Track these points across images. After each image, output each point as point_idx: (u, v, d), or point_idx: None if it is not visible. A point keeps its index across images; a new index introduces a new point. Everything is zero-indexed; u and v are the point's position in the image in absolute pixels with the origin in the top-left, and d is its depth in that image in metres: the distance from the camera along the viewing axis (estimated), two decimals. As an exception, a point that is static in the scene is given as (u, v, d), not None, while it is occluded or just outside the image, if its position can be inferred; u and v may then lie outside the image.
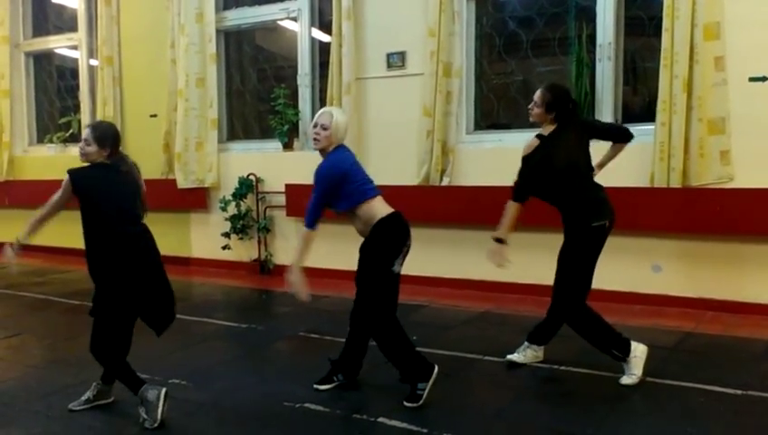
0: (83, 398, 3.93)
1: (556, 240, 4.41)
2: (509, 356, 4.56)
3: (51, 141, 9.70)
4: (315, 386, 4.15)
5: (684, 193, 5.64)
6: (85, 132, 3.84)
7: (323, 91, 7.45)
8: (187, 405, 3.99)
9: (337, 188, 3.94)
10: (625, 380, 4.13)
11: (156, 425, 3.66)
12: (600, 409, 3.81)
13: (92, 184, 3.76)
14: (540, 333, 4.53)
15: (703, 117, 5.54)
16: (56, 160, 9.19)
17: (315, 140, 4.00)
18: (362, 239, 4.01)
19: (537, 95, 4.31)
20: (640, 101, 6.32)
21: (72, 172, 3.76)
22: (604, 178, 5.85)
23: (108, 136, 3.84)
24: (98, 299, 3.80)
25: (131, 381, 3.82)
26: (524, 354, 4.55)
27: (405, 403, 3.87)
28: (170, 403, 3.75)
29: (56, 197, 3.77)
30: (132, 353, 3.93)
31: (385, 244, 3.95)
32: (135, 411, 3.80)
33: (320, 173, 3.97)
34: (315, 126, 4.00)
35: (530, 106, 4.34)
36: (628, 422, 3.62)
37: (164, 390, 3.74)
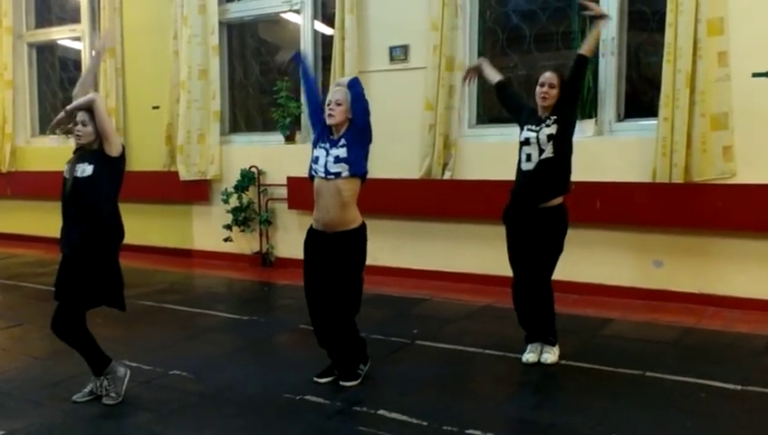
0: (87, 389, 3.94)
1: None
2: (543, 357, 4.44)
3: (53, 133, 9.68)
4: (315, 379, 4.16)
5: (686, 188, 5.63)
6: (80, 115, 3.83)
7: (326, 84, 7.43)
8: (188, 396, 4.00)
9: (364, 127, 4.05)
10: (550, 358, 4.39)
11: (119, 399, 3.83)
12: (600, 403, 3.81)
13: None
14: (548, 328, 4.51)
15: (705, 112, 5.52)
16: (58, 152, 9.15)
17: (330, 115, 4.01)
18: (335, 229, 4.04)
19: (551, 76, 4.32)
20: (643, 96, 6.30)
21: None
22: (607, 172, 5.89)
23: None
24: (105, 270, 3.82)
25: (99, 359, 3.89)
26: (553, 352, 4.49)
27: (343, 383, 4.09)
28: (172, 395, 3.77)
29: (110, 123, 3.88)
30: (134, 345, 3.96)
31: (365, 245, 4.15)
32: (136, 402, 3.84)
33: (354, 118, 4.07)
34: (329, 103, 4.03)
35: (544, 90, 4.31)
36: (628, 417, 3.63)
37: (128, 369, 3.99)
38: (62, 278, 3.83)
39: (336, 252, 4.02)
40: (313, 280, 4.11)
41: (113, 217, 3.89)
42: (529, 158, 4.36)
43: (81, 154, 3.85)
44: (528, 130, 4.39)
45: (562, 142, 4.32)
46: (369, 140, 4.10)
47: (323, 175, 3.99)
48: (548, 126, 4.32)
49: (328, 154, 4.00)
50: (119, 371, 3.93)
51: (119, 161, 3.90)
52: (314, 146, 4.14)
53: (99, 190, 3.80)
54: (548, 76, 4.33)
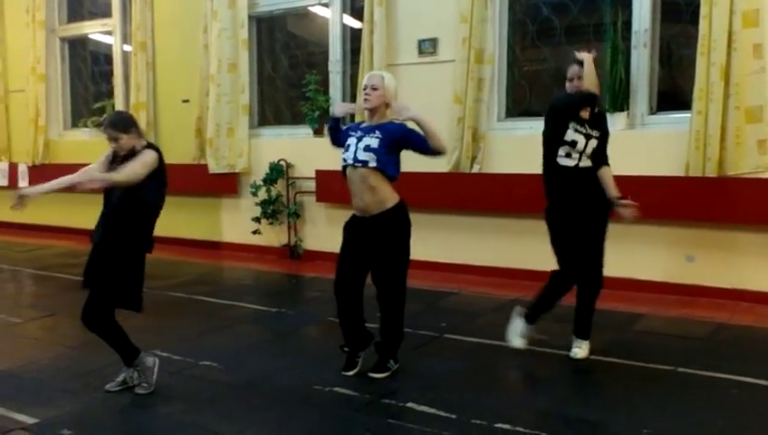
0: (119, 379, 3.98)
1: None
2: (573, 352, 4.42)
3: (85, 126, 9.80)
4: (343, 373, 4.16)
5: (719, 182, 5.55)
6: (107, 132, 3.81)
7: (354, 77, 7.45)
8: (217, 387, 4.03)
9: (402, 149, 4.05)
10: (580, 353, 4.37)
11: (151, 389, 3.86)
12: (629, 398, 3.78)
13: (164, 165, 3.91)
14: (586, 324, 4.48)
15: (740, 105, 5.44)
16: (90, 144, 9.30)
17: (366, 99, 4.05)
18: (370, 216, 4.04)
19: (578, 70, 4.25)
20: (676, 89, 6.22)
21: (155, 147, 3.88)
22: (639, 166, 5.82)
23: (126, 119, 3.92)
24: (124, 271, 3.85)
25: (128, 350, 3.93)
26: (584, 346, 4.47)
27: (372, 374, 4.10)
28: (202, 385, 3.80)
29: (137, 169, 3.72)
30: (164, 335, 4.01)
31: (409, 226, 4.12)
32: (167, 392, 3.89)
33: (400, 126, 4.04)
34: (365, 88, 4.06)
35: (574, 84, 4.26)
36: (658, 412, 3.59)
37: (157, 358, 4.02)
38: (90, 267, 3.87)
39: (376, 234, 4.03)
40: (347, 258, 4.12)
41: (140, 227, 3.88)
42: (569, 155, 4.29)
43: (121, 160, 3.85)
44: (576, 132, 4.26)
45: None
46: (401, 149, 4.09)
47: (352, 163, 4.02)
48: (596, 138, 4.32)
49: (359, 141, 4.02)
50: (147, 361, 3.98)
51: (148, 187, 3.83)
52: (345, 136, 4.17)
53: (130, 201, 3.80)
54: (576, 70, 4.27)
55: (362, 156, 3.97)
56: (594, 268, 4.36)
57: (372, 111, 4.07)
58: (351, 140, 4.07)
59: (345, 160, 4.08)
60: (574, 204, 4.33)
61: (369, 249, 4.06)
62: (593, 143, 4.29)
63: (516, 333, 4.48)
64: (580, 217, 4.32)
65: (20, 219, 10.28)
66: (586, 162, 4.31)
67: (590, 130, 4.29)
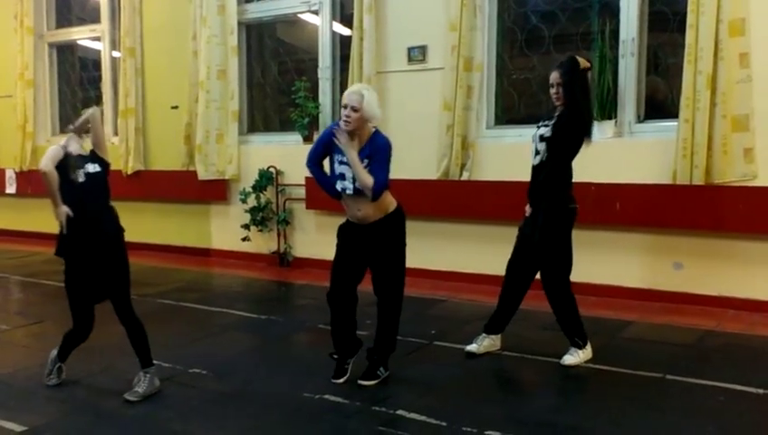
0: (140, 390, 3.95)
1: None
2: (467, 348, 4.66)
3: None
4: (332, 380, 4.16)
5: (706, 190, 5.59)
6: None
7: (344, 84, 7.45)
8: (208, 394, 4.03)
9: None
10: (568, 360, 4.38)
11: (135, 400, 3.87)
12: (619, 406, 3.80)
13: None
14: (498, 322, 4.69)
15: (727, 114, 5.49)
16: (78, 151, 9.25)
17: (346, 122, 3.89)
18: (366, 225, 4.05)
19: (555, 76, 4.35)
20: (663, 97, 6.26)
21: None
22: (626, 174, 5.87)
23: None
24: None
25: (149, 351, 4.03)
26: (482, 344, 4.65)
27: (361, 382, 4.10)
28: (192, 392, 3.80)
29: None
30: (154, 343, 4.03)
31: (404, 228, 4.12)
32: (157, 399, 3.90)
33: (384, 144, 3.99)
34: (345, 107, 3.91)
35: (554, 91, 4.36)
36: (646, 419, 3.61)
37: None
38: (101, 274, 3.94)
39: (375, 238, 4.03)
40: (343, 265, 4.10)
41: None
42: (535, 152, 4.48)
43: (81, 156, 4.12)
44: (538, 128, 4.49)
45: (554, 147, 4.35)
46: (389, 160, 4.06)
47: (352, 193, 3.98)
48: (546, 126, 4.40)
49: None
50: (156, 379, 4.02)
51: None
52: (332, 162, 4.09)
53: (106, 185, 4.06)
54: (553, 76, 4.38)
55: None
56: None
57: (351, 132, 3.95)
58: (344, 168, 3.97)
59: (344, 190, 4.01)
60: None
61: (366, 255, 4.06)
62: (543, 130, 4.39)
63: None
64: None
65: (9, 227, 10.25)
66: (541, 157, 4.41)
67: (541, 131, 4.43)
